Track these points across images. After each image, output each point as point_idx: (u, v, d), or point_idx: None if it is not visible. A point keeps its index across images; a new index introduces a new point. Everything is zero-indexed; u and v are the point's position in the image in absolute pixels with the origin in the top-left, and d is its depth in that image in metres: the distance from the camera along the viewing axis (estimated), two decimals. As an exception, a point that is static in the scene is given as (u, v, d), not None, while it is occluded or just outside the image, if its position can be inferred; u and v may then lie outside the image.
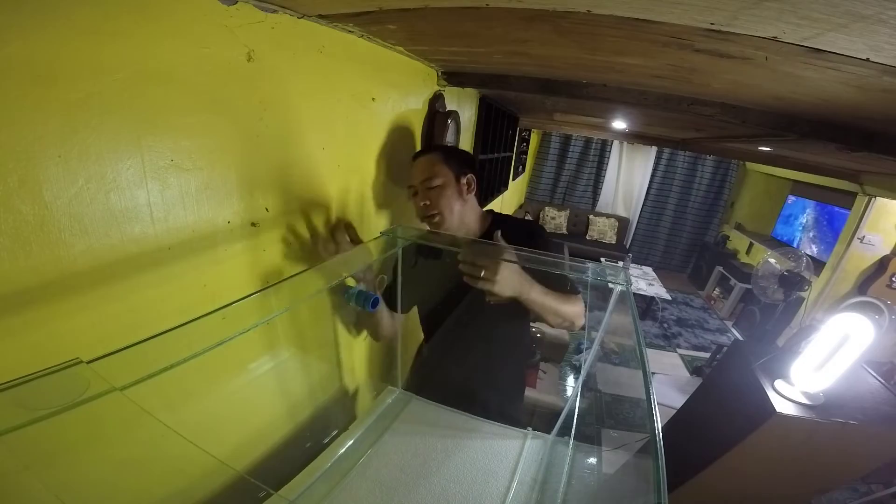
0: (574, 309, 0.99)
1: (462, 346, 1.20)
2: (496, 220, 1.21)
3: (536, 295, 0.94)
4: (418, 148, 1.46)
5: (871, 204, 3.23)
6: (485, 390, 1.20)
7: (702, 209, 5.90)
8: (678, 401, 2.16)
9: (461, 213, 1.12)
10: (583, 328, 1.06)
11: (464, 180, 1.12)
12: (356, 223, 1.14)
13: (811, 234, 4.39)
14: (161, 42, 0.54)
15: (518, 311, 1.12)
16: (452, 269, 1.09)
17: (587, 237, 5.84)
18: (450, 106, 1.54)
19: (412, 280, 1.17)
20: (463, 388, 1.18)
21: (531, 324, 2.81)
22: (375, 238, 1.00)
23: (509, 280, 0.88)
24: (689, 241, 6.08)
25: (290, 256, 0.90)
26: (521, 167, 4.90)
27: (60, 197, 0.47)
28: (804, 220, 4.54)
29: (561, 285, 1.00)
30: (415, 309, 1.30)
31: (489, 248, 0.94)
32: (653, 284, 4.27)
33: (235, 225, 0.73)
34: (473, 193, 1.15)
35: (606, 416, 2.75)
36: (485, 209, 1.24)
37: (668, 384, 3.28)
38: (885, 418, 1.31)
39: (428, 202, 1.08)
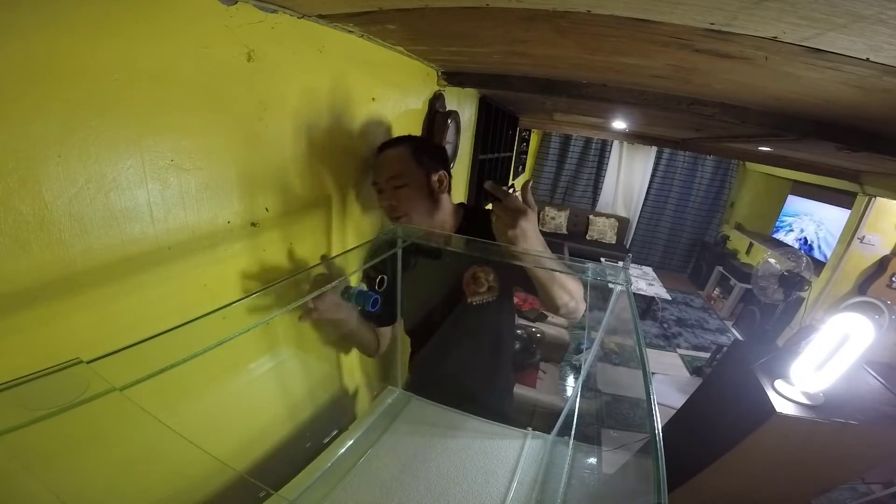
0: (578, 286, 0.90)
1: (444, 346, 1.15)
2: (468, 213, 1.10)
3: (545, 258, 0.84)
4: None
5: (871, 204, 3.23)
6: (472, 388, 1.17)
7: (702, 209, 5.90)
8: (678, 401, 2.16)
9: (432, 214, 1.02)
10: (581, 327, 1.07)
11: (435, 177, 1.00)
12: (356, 223, 1.14)
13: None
14: (161, 42, 0.54)
15: (501, 309, 1.09)
16: (440, 267, 1.06)
17: (587, 237, 5.84)
18: (450, 106, 1.54)
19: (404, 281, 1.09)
20: (450, 386, 1.16)
21: (532, 324, 2.81)
22: (375, 238, 1.00)
23: (530, 232, 0.79)
24: (689, 241, 6.08)
25: (290, 256, 0.90)
26: (521, 167, 4.90)
27: (60, 197, 0.47)
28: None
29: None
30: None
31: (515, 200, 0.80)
32: (653, 284, 4.26)
33: (235, 225, 0.73)
34: (447, 191, 1.04)
35: (606, 416, 2.75)
36: (456, 203, 1.12)
37: (668, 384, 3.28)
38: (885, 418, 1.31)
39: (395, 203, 0.97)
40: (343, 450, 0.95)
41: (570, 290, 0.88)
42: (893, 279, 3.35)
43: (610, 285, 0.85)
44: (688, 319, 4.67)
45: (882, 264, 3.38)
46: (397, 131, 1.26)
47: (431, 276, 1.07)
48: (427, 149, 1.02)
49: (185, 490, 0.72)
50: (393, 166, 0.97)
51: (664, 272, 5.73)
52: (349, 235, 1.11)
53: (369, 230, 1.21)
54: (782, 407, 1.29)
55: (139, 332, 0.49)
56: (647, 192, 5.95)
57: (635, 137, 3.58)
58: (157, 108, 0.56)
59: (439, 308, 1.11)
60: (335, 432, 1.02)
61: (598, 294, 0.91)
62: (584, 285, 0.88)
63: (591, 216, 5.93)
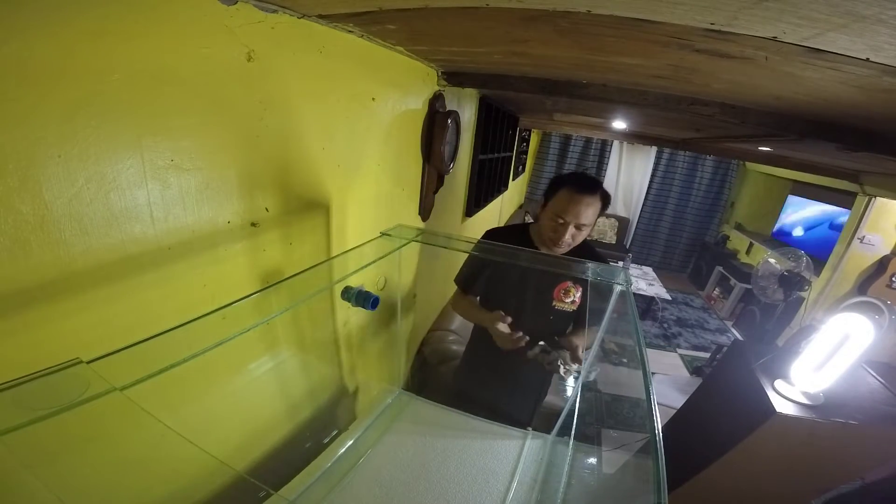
0: (588, 339, 1.21)
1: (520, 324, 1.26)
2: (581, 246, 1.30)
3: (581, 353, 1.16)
4: (418, 148, 1.46)
5: (871, 204, 3.23)
6: (518, 398, 1.34)
7: (702, 209, 5.90)
8: (678, 401, 2.16)
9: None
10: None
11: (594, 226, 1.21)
12: (356, 223, 1.14)
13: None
14: (161, 42, 0.54)
15: (568, 320, 1.28)
16: (531, 280, 1.24)
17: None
18: (450, 106, 1.54)
19: (499, 279, 1.29)
20: (501, 396, 1.31)
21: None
22: (376, 238, 1.00)
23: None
24: (689, 241, 6.07)
25: (290, 256, 0.90)
26: (521, 167, 4.90)
27: (60, 197, 0.47)
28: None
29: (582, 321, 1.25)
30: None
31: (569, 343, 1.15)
32: (653, 284, 4.26)
33: (235, 225, 0.73)
34: None
35: (606, 416, 2.75)
36: None
37: (668, 384, 3.28)
38: (885, 418, 1.31)
39: (571, 241, 1.17)
40: (343, 450, 0.95)
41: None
42: (893, 279, 3.34)
43: (610, 285, 0.85)
44: (688, 319, 4.66)
45: (882, 264, 3.37)
46: (397, 131, 1.26)
47: (532, 271, 1.27)
48: (607, 199, 1.19)
49: (185, 490, 0.72)
50: (589, 216, 1.14)
51: (664, 272, 5.72)
52: (349, 235, 1.11)
53: (369, 230, 1.21)
54: (782, 407, 1.29)
55: (139, 332, 0.49)
56: (647, 192, 5.95)
57: (635, 137, 3.57)
58: (157, 107, 0.56)
59: (528, 297, 1.27)
60: (335, 432, 1.02)
61: (598, 294, 0.91)
62: (585, 285, 1.05)
63: (591, 216, 5.92)
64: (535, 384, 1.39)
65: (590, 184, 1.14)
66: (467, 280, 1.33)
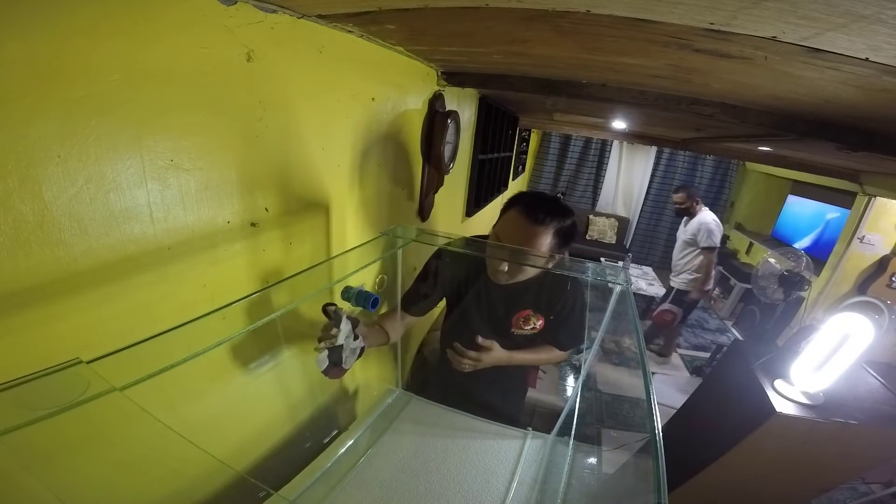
0: (551, 357, 1.20)
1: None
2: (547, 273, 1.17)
3: (516, 361, 1.14)
4: (418, 148, 1.46)
5: (871, 204, 3.23)
6: (491, 394, 1.25)
7: (702, 209, 5.89)
8: (678, 401, 2.16)
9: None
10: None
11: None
12: (356, 223, 1.14)
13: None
14: (161, 42, 0.54)
15: (532, 344, 1.20)
16: (499, 294, 1.14)
17: (587, 237, 5.83)
18: (450, 106, 1.54)
19: (442, 284, 1.18)
20: (470, 391, 1.23)
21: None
22: (375, 238, 1.00)
23: (488, 361, 1.09)
24: (689, 241, 6.07)
25: (290, 256, 0.90)
26: (521, 167, 4.89)
27: (60, 197, 0.47)
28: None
29: (556, 343, 1.18)
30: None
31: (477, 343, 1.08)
32: (653, 284, 4.26)
33: (235, 225, 0.73)
34: None
35: (606, 416, 2.75)
36: None
37: (668, 384, 3.28)
38: (885, 418, 1.31)
39: (511, 273, 1.03)
40: (343, 450, 0.95)
41: (542, 363, 1.33)
42: (893, 279, 3.34)
43: (610, 285, 0.85)
44: (688, 319, 4.66)
45: (882, 264, 3.37)
46: (397, 131, 1.26)
47: (487, 297, 1.17)
48: (568, 235, 1.01)
49: (185, 490, 0.72)
50: (528, 242, 0.97)
51: (664, 272, 5.71)
52: (349, 235, 1.12)
53: (369, 230, 1.21)
54: (782, 407, 1.29)
55: (139, 332, 0.49)
56: (647, 192, 5.94)
57: (635, 137, 3.57)
58: (156, 108, 0.56)
59: (485, 325, 1.16)
60: (335, 432, 1.02)
61: (599, 294, 0.91)
62: (585, 285, 1.00)
63: (591, 216, 5.92)
64: (507, 380, 1.30)
65: (541, 212, 0.96)
66: (406, 298, 1.17)
